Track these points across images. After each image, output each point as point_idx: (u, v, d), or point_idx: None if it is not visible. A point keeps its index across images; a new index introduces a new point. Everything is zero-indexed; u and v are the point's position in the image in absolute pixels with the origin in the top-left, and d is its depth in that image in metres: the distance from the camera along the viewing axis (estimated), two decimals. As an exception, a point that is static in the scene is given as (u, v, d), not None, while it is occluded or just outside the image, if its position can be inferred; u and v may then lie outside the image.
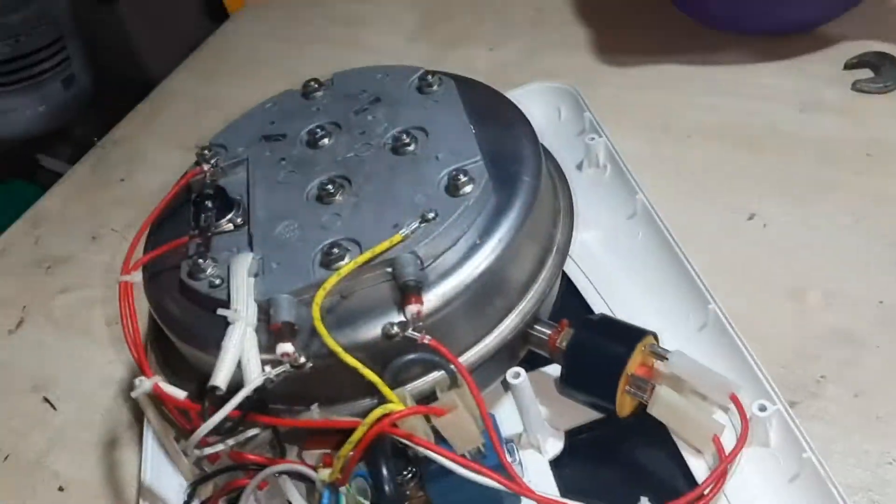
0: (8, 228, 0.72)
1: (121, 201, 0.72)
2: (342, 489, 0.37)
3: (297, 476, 0.40)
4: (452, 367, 0.37)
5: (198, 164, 0.49)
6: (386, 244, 0.40)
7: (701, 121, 0.64)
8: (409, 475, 0.39)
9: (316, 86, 0.52)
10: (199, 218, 0.45)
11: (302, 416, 0.40)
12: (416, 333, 0.37)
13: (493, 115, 0.48)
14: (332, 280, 0.39)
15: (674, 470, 0.42)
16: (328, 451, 0.41)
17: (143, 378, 0.40)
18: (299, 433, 0.41)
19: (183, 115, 0.80)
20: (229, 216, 0.46)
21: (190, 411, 0.40)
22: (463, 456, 0.36)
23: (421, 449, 0.35)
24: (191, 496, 0.41)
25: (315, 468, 0.39)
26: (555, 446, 0.44)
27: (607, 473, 0.44)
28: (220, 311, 0.39)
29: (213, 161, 0.49)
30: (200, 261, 0.43)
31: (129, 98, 0.87)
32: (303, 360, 0.37)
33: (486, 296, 0.42)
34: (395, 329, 0.37)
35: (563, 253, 0.46)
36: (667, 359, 0.41)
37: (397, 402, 0.36)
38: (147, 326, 0.54)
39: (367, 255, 0.40)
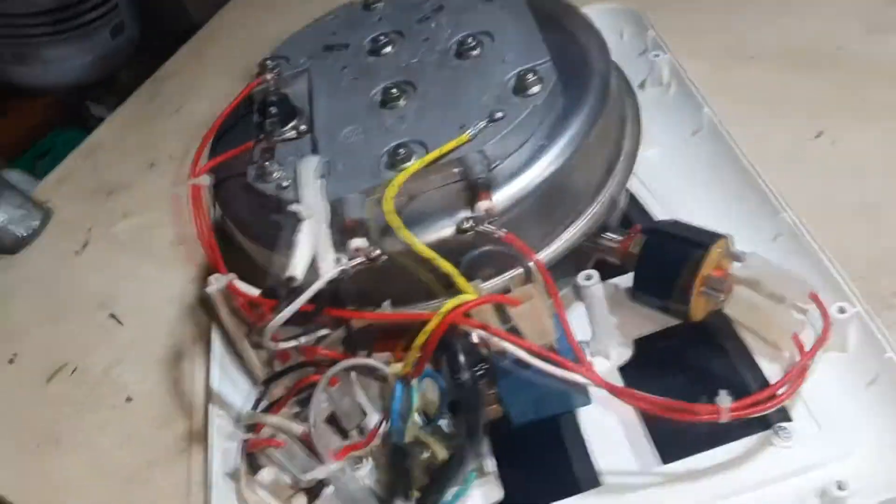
0: (65, 159, 0.73)
1: (176, 131, 0.72)
2: (413, 382, 0.37)
3: (367, 371, 0.40)
4: (527, 260, 0.37)
5: (260, 73, 0.49)
6: (453, 143, 0.40)
7: (765, 43, 0.62)
8: (481, 372, 0.39)
9: (378, -2, 0.52)
10: (264, 125, 0.45)
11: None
12: (491, 227, 0.37)
13: (560, 21, 0.47)
14: (401, 177, 0.39)
15: (746, 374, 0.41)
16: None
17: (217, 275, 0.41)
18: (370, 334, 0.41)
19: (234, 48, 0.80)
20: (293, 123, 0.46)
21: (263, 307, 0.41)
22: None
23: (494, 338, 0.35)
24: (262, 394, 0.42)
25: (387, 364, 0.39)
26: (623, 354, 0.44)
27: (677, 379, 0.43)
28: (292, 207, 0.39)
29: (275, 71, 0.49)
30: (267, 164, 0.43)
31: (176, 45, 0.87)
32: (377, 252, 0.37)
33: (555, 198, 0.41)
34: (469, 223, 0.37)
35: (631, 160, 0.45)
36: (743, 260, 0.40)
37: (472, 291, 0.35)
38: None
39: (435, 153, 0.39)
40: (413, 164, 0.39)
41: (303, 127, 0.45)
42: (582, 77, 0.44)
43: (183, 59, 0.81)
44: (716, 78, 0.60)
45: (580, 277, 0.41)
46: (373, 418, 0.41)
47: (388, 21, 0.50)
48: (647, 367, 0.44)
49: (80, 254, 0.64)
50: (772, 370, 0.41)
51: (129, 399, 0.53)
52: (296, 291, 0.37)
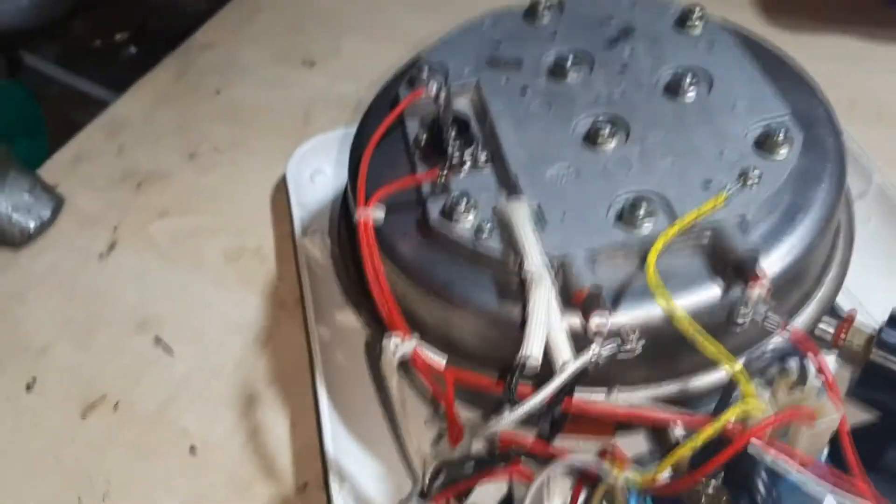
0: (79, 133, 0.62)
1: (219, 116, 0.62)
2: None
3: (577, 473, 0.33)
4: (811, 360, 0.31)
5: (412, 83, 0.41)
6: (709, 204, 0.33)
7: (891, 101, 0.59)
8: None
9: (545, 4, 0.44)
10: (446, 151, 0.37)
11: (606, 400, 0.33)
12: (777, 320, 0.31)
13: (767, 65, 0.41)
14: (662, 241, 0.32)
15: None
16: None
17: (398, 337, 0.33)
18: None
19: (280, 23, 0.70)
20: (469, 150, 0.38)
21: (445, 379, 0.33)
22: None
23: (789, 466, 0.29)
24: (432, 483, 0.34)
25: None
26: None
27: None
28: (527, 269, 0.31)
29: (437, 82, 0.40)
30: (457, 203, 0.35)
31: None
32: (636, 337, 0.31)
33: (798, 278, 0.36)
34: (748, 315, 0.31)
35: (850, 231, 0.40)
36: None
37: (759, 403, 0.29)
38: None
39: (692, 214, 0.33)
40: (673, 226, 0.32)
41: (483, 156, 0.38)
42: (815, 134, 0.38)
43: (216, 30, 0.70)
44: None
45: (813, 378, 0.36)
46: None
47: (566, 38, 0.43)
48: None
49: (105, 257, 0.53)
50: None
51: (192, 449, 0.44)
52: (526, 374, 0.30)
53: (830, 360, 0.40)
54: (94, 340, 0.49)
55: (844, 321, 0.39)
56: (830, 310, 0.39)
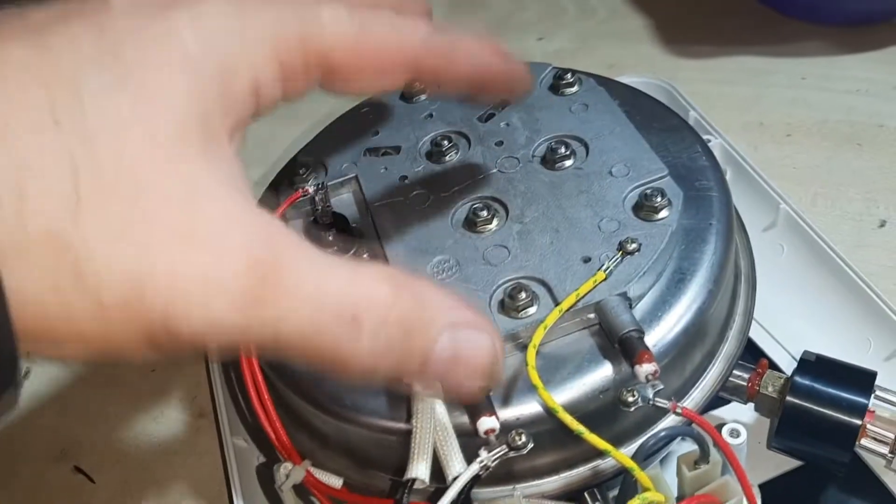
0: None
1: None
2: None
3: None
4: (709, 440, 0.30)
5: (294, 184, 0.40)
6: (589, 284, 0.32)
7: (797, 117, 0.59)
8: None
9: (420, 86, 0.44)
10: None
11: (504, 501, 0.32)
12: (664, 401, 0.30)
13: (647, 118, 0.41)
14: (540, 333, 0.31)
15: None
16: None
17: (288, 464, 0.32)
18: None
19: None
20: (353, 250, 0.37)
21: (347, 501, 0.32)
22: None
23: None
24: None
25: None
26: (752, 506, 0.38)
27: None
28: (407, 382, 0.31)
29: (316, 181, 0.40)
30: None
31: None
32: (524, 440, 0.30)
33: (694, 342, 0.35)
34: (635, 396, 0.30)
35: (751, 282, 0.40)
36: (902, 405, 0.35)
37: (658, 494, 0.28)
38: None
39: (571, 298, 0.32)
40: (550, 315, 0.31)
41: (365, 255, 0.37)
42: (699, 189, 0.38)
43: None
44: (755, 159, 0.55)
45: (725, 432, 0.35)
46: None
47: (442, 118, 0.42)
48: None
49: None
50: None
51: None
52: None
53: (747, 412, 0.39)
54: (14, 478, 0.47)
55: (756, 371, 0.38)
56: (742, 357, 0.38)
